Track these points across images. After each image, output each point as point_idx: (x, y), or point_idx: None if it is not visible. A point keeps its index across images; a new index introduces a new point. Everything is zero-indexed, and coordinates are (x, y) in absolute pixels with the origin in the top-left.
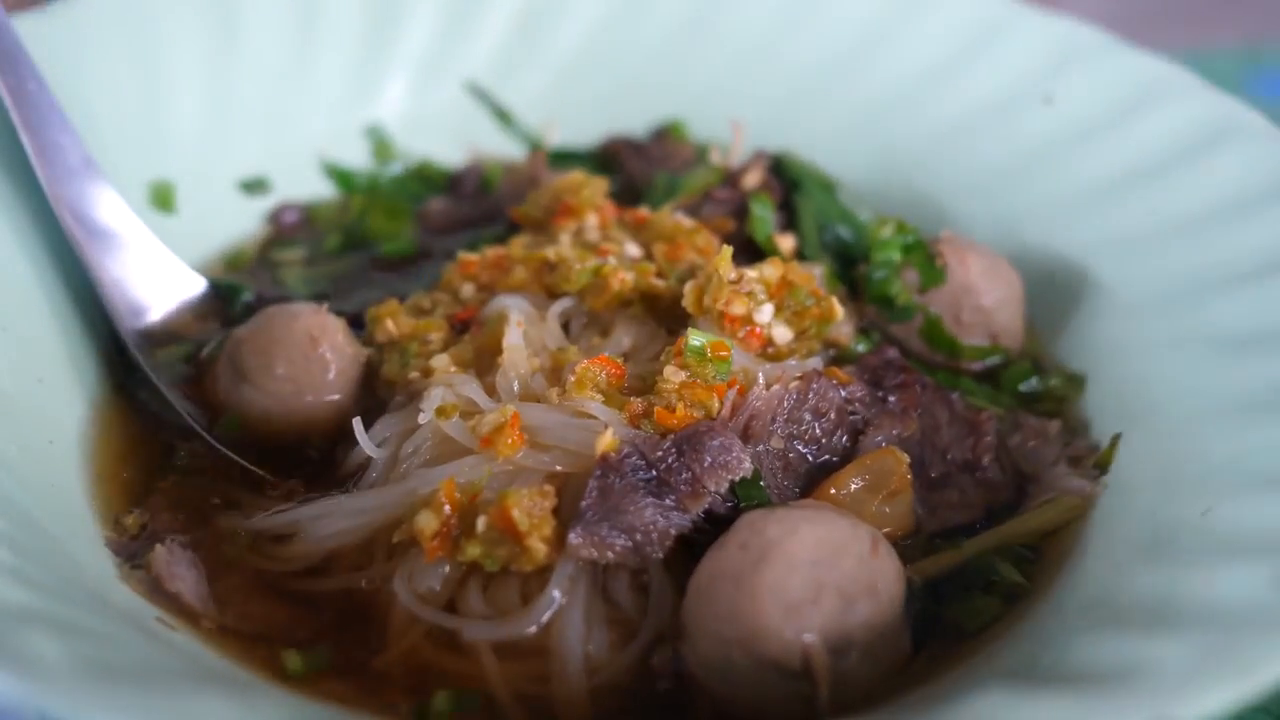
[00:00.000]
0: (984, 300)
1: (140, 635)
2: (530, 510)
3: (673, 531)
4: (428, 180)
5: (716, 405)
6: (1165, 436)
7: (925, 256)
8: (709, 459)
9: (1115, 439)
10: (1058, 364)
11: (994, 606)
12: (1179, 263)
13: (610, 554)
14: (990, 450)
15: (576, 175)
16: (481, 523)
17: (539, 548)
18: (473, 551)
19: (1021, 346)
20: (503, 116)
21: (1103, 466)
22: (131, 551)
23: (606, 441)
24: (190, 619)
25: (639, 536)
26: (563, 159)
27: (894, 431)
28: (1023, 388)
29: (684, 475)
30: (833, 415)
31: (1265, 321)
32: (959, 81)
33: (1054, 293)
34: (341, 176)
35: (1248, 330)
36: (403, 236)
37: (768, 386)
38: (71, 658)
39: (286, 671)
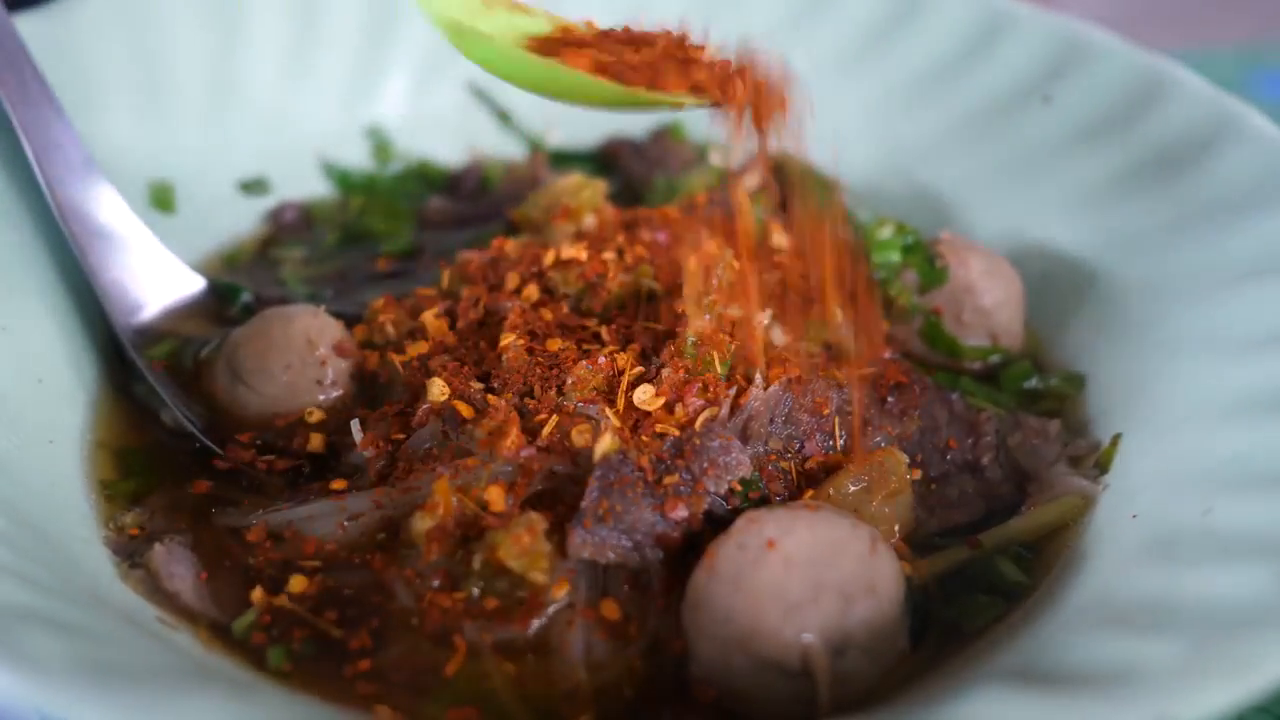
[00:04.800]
0: (984, 300)
1: (140, 635)
2: (526, 548)
3: (672, 532)
4: (428, 180)
5: (715, 406)
6: (1165, 436)
7: (925, 257)
8: (708, 460)
9: (1115, 439)
10: (1058, 364)
11: (994, 606)
12: (1179, 263)
13: (610, 554)
14: (990, 450)
15: (576, 177)
16: (477, 560)
17: (540, 579)
18: (473, 589)
19: (1021, 346)
20: (503, 116)
21: (1103, 466)
22: (130, 551)
23: (606, 443)
24: (188, 618)
25: (639, 537)
26: (563, 159)
27: (893, 431)
28: (1023, 387)
29: (683, 476)
30: (831, 415)
31: (1265, 321)
32: (959, 81)
33: (1054, 293)
34: (341, 176)
35: (1248, 330)
36: (402, 236)
37: (766, 387)
38: (71, 657)
39: (271, 667)
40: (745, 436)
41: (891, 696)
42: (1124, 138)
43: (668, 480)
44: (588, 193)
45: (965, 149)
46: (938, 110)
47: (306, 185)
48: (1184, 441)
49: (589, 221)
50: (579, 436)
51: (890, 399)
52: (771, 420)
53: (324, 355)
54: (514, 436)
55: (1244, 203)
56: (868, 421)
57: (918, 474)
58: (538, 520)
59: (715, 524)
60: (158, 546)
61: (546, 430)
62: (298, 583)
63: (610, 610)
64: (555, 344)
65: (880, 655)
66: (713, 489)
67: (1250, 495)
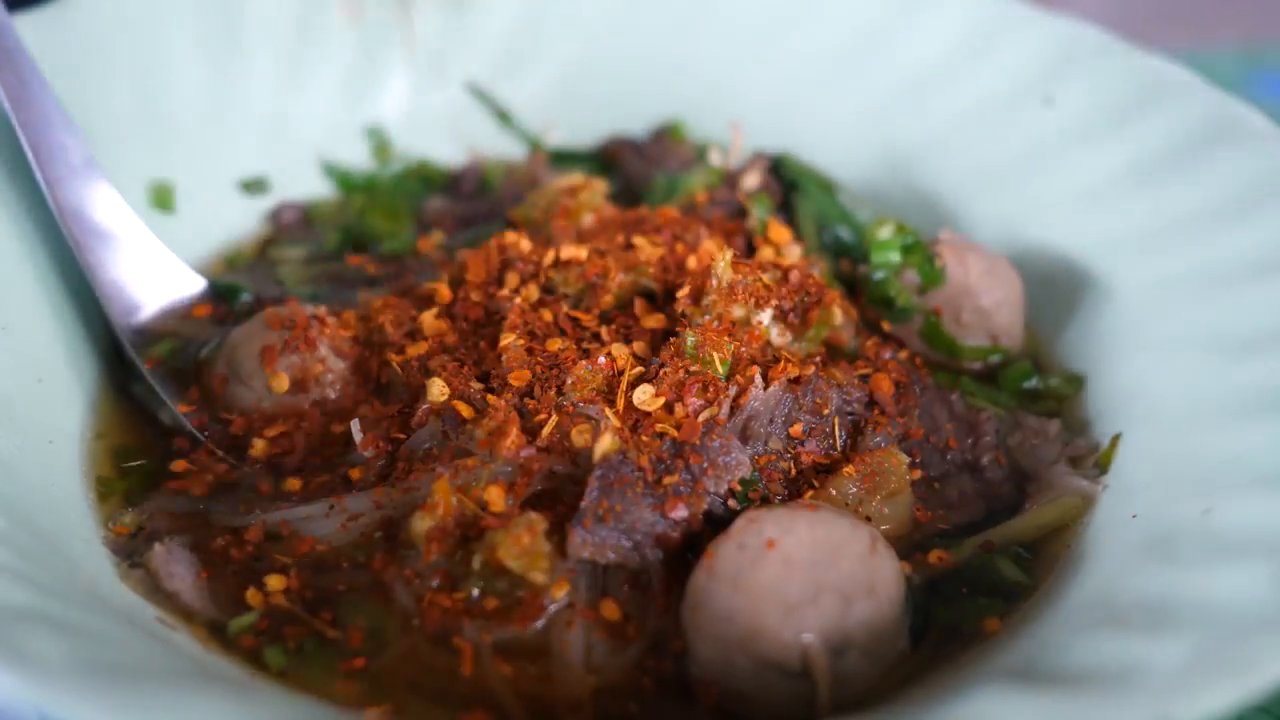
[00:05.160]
0: (983, 301)
1: (140, 635)
2: (526, 548)
3: (672, 532)
4: (427, 180)
5: (715, 406)
6: (1165, 436)
7: (924, 257)
8: (708, 460)
9: (1115, 439)
10: (1058, 364)
11: (994, 606)
12: (1179, 263)
13: (610, 554)
14: (990, 450)
15: (575, 177)
16: (477, 561)
17: (540, 580)
18: (473, 589)
19: (1021, 346)
20: (503, 117)
21: (1103, 466)
22: (130, 550)
23: (606, 443)
24: (187, 618)
25: (639, 537)
26: (563, 159)
27: (893, 431)
28: (1023, 387)
29: (683, 476)
30: (831, 415)
31: (1265, 321)
32: (959, 81)
33: (1054, 293)
34: (341, 176)
35: (1248, 330)
36: (402, 236)
37: (766, 387)
38: (71, 657)
39: (270, 667)
40: (745, 436)
41: (891, 696)
42: (1124, 138)
43: (667, 480)
44: (587, 193)
45: (965, 149)
46: (938, 110)
47: (306, 185)
48: (1184, 441)
49: (589, 221)
50: (579, 436)
51: (890, 399)
52: (771, 420)
53: (323, 355)
54: (514, 436)
55: (1244, 203)
56: (867, 421)
57: (918, 474)
58: (538, 520)
59: (715, 524)
60: (157, 546)
61: (546, 430)
62: (278, 581)
63: (610, 610)
64: (555, 344)
65: (880, 655)
66: (712, 489)
67: (1250, 495)
